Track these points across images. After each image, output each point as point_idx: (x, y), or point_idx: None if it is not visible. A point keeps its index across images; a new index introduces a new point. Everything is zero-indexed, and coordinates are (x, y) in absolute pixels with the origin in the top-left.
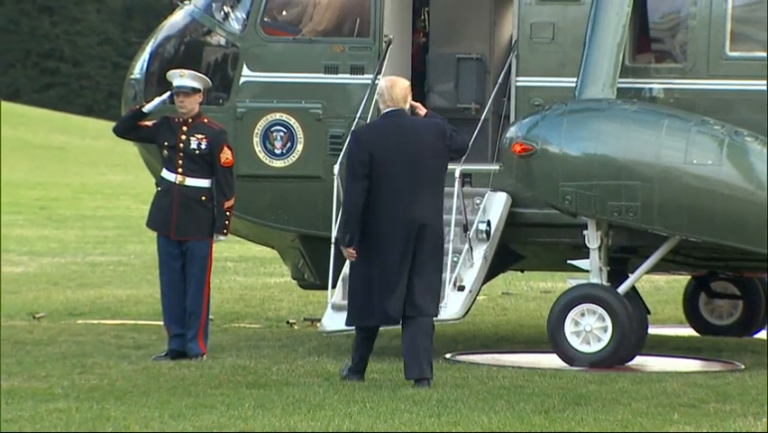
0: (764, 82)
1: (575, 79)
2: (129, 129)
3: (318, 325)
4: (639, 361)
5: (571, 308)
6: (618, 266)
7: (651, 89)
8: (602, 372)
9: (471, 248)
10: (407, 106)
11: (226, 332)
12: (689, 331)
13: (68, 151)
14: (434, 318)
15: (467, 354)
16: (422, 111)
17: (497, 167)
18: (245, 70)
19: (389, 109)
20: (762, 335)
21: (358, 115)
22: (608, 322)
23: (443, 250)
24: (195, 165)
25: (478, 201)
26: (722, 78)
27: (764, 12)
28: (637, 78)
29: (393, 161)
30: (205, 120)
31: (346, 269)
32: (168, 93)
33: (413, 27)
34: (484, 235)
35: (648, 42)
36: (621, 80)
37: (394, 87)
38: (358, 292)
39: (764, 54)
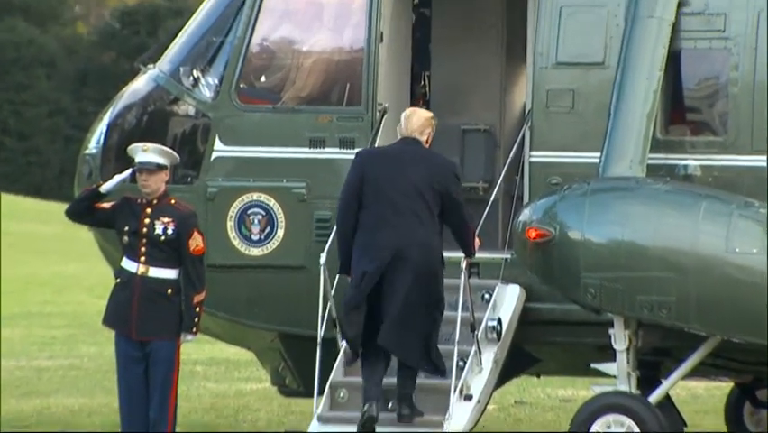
0: None
1: (598, 154)
2: (83, 212)
3: None
4: None
5: (596, 420)
6: (650, 371)
7: (686, 166)
8: None
9: (480, 350)
10: (424, 138)
11: None
12: None
13: (12, 237)
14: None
15: None
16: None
17: (508, 255)
18: (218, 144)
19: (401, 137)
20: None
21: None
22: None
23: (438, 294)
24: (160, 253)
25: (487, 295)
26: None
27: None
28: (670, 152)
29: (382, 186)
30: (172, 201)
31: (335, 374)
32: (129, 170)
33: (412, 94)
34: (494, 335)
35: (683, 112)
36: (652, 156)
37: (412, 117)
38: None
39: None
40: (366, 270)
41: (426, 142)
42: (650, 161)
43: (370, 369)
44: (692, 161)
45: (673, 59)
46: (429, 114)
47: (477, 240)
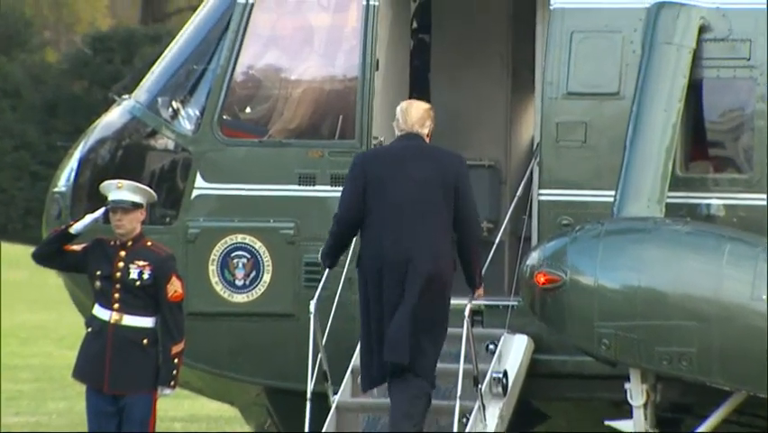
0: None
1: (613, 193)
2: (52, 255)
3: None
4: None
5: None
6: (669, 428)
7: (708, 206)
8: None
9: (484, 406)
10: (425, 132)
11: None
12: None
13: None
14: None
15: None
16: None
17: (515, 302)
18: (199, 181)
19: (401, 133)
20: None
21: None
22: None
23: (445, 310)
24: (135, 300)
25: (491, 346)
26: None
27: None
28: (691, 191)
29: (385, 188)
30: (149, 243)
31: (327, 428)
32: (101, 209)
33: None
34: (499, 389)
35: (704, 147)
36: (671, 194)
37: (409, 109)
38: (362, 347)
39: None
40: (375, 287)
41: (428, 135)
42: (669, 200)
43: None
44: (715, 200)
45: (694, 90)
46: (427, 105)
47: (480, 290)
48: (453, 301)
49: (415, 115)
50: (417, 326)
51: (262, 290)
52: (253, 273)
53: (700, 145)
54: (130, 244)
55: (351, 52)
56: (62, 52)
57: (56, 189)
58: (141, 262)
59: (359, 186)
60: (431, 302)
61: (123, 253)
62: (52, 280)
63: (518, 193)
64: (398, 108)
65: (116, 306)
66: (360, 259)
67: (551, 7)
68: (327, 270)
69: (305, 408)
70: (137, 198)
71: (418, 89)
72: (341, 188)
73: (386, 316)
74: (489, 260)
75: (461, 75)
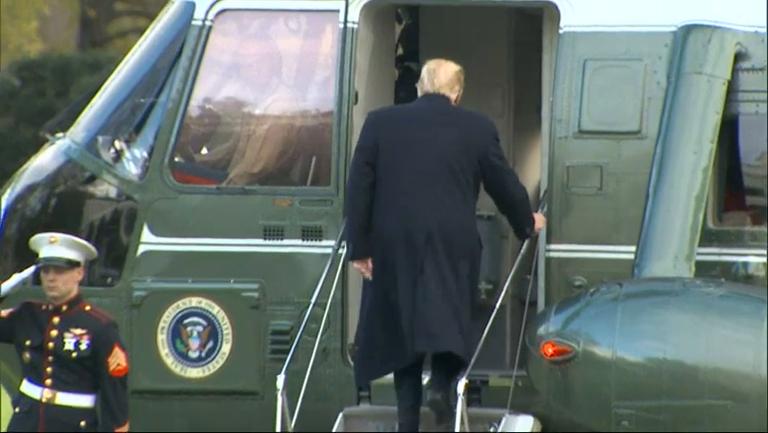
0: None
1: (634, 249)
2: None
3: None
4: None
5: None
6: None
7: (745, 264)
8: None
9: None
10: (453, 97)
11: None
12: None
13: None
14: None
15: None
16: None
17: (519, 377)
18: (146, 234)
19: (426, 93)
20: None
21: (313, 301)
22: None
23: (474, 284)
24: (71, 375)
25: (492, 428)
26: None
27: None
28: (725, 246)
29: (402, 150)
30: (87, 308)
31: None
32: (32, 268)
33: None
34: None
35: (741, 195)
36: (701, 250)
37: (437, 70)
38: (368, 331)
39: None
40: (395, 258)
41: (455, 102)
42: (699, 258)
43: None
44: (753, 258)
45: (729, 128)
46: (458, 67)
47: (540, 216)
48: None
49: (443, 77)
50: (442, 304)
51: (221, 363)
52: (210, 343)
53: (736, 193)
54: (65, 308)
55: (325, 83)
56: None
57: None
58: (77, 331)
59: (370, 143)
60: (459, 279)
61: (56, 320)
62: None
63: (523, 250)
64: (424, 68)
65: (49, 382)
66: (372, 232)
67: (560, 31)
68: (357, 261)
69: None
70: (73, 255)
71: None
72: (313, 244)
73: (399, 289)
74: (488, 327)
75: None
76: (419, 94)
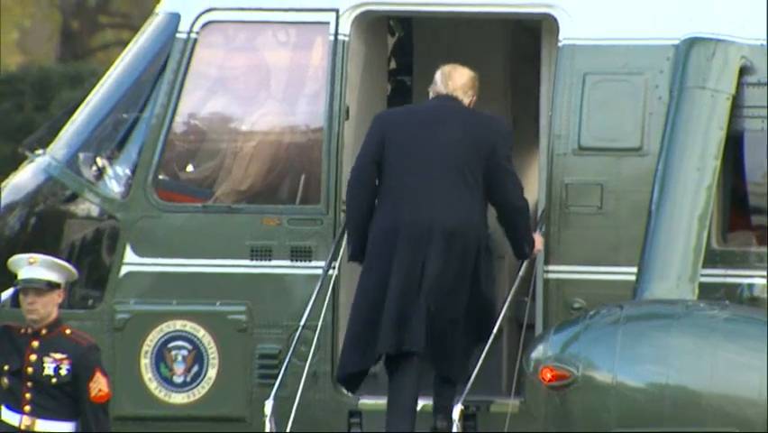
0: None
1: (635, 270)
2: None
3: None
4: None
5: None
6: None
7: (751, 286)
8: None
9: None
10: (467, 102)
11: None
12: None
13: None
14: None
15: None
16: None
17: (516, 402)
18: (129, 255)
19: (438, 94)
20: None
21: (302, 323)
22: None
23: (479, 273)
24: (51, 401)
25: None
26: None
27: None
28: (730, 267)
29: (408, 148)
30: (68, 331)
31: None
32: (10, 290)
33: None
34: None
35: (746, 214)
36: (705, 272)
37: (452, 73)
38: (352, 324)
39: None
40: (392, 254)
41: (469, 105)
42: (703, 279)
43: (397, 386)
44: (759, 279)
45: (734, 144)
46: (474, 72)
47: (539, 237)
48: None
49: (459, 79)
50: (447, 315)
51: (207, 388)
52: (195, 368)
53: (741, 212)
54: (44, 332)
55: (315, 98)
56: None
57: None
58: (57, 355)
59: (375, 143)
60: (462, 283)
61: (35, 344)
62: None
63: (521, 272)
64: (438, 72)
65: (28, 408)
66: (372, 230)
67: (559, 44)
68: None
69: None
70: (53, 277)
71: None
72: (302, 264)
73: (391, 282)
74: (484, 353)
75: None
76: (431, 96)
